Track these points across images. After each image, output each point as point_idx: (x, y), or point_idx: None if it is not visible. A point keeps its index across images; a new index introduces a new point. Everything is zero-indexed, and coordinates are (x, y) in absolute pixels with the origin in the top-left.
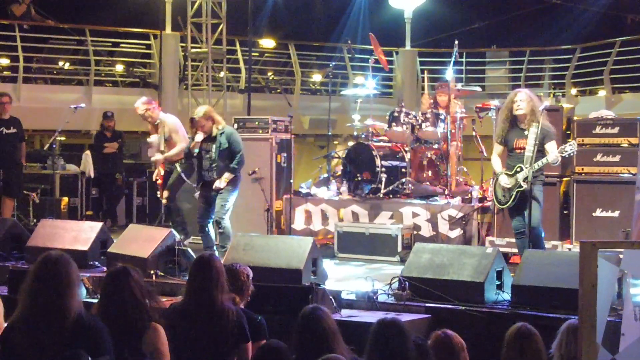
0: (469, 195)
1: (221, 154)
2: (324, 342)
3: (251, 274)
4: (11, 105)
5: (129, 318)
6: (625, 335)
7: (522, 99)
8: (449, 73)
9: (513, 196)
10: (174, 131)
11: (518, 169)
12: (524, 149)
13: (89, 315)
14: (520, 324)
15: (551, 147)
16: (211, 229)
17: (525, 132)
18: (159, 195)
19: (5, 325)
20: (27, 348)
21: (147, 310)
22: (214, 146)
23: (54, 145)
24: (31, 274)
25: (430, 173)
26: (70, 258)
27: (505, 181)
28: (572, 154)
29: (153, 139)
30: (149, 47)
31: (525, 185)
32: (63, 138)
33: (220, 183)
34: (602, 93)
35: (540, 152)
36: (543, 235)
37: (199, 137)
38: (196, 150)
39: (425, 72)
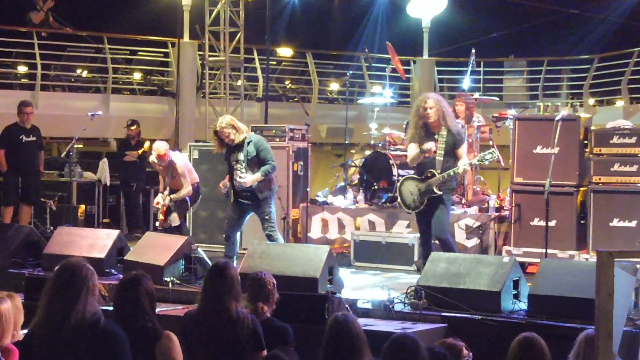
0: (486, 205)
1: (250, 162)
2: (354, 349)
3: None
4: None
5: (142, 326)
6: None
7: (431, 107)
8: (466, 82)
9: (425, 202)
10: (182, 171)
11: (429, 174)
12: (434, 152)
13: (108, 322)
14: (525, 333)
15: (462, 151)
16: (237, 239)
17: (436, 137)
18: (157, 225)
19: (26, 332)
20: (47, 354)
21: (157, 318)
22: (242, 155)
23: (71, 153)
24: (50, 281)
25: None
26: (88, 265)
27: (412, 187)
28: (492, 161)
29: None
30: (166, 55)
31: (437, 192)
32: (80, 146)
33: (246, 178)
34: (619, 103)
35: (451, 157)
36: (450, 242)
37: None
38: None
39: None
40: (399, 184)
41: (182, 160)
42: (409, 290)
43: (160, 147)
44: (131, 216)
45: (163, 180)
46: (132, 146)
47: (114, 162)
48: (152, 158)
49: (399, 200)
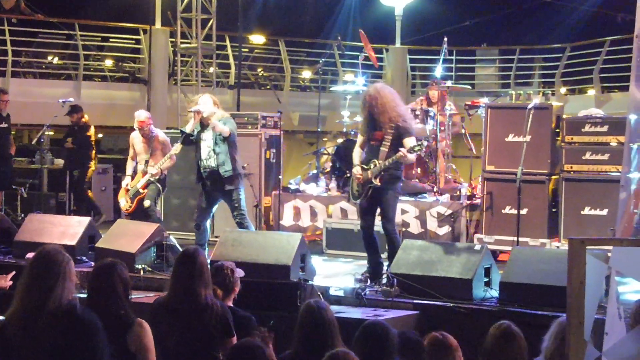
0: (458, 193)
1: (219, 140)
2: (327, 335)
3: (238, 272)
4: None
5: (115, 313)
6: (610, 334)
7: (378, 101)
8: (439, 70)
9: (366, 192)
10: (165, 146)
11: (372, 164)
12: (378, 141)
13: (84, 309)
14: (505, 324)
15: (408, 142)
16: (207, 227)
17: (382, 127)
18: (124, 206)
19: (3, 317)
20: (22, 342)
21: (131, 306)
22: (212, 132)
23: (42, 140)
24: (27, 268)
25: (419, 170)
26: (64, 252)
27: (358, 174)
28: (421, 152)
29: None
30: (138, 42)
31: (375, 182)
32: (51, 133)
33: (217, 125)
34: (591, 92)
35: (398, 147)
36: (397, 237)
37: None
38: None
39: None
40: (352, 172)
41: (164, 135)
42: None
43: (140, 114)
44: (81, 205)
45: (133, 160)
46: (73, 132)
47: (58, 149)
48: (134, 134)
49: (349, 189)
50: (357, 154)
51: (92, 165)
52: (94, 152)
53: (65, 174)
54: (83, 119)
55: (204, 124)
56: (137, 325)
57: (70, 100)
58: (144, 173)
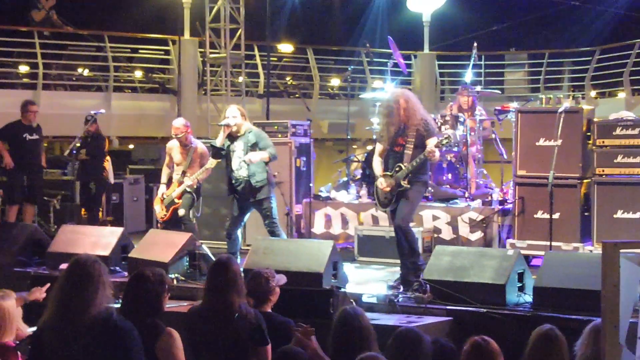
0: (489, 198)
1: (249, 151)
2: (363, 341)
3: (278, 280)
4: None
5: (144, 322)
6: None
7: (403, 107)
8: (468, 76)
9: (395, 197)
10: (204, 157)
11: (397, 169)
12: (402, 146)
13: (120, 317)
14: (548, 327)
15: (432, 142)
16: (239, 236)
17: (405, 132)
18: (159, 214)
19: (36, 327)
20: (58, 350)
21: (162, 315)
22: (242, 143)
23: (74, 152)
24: (63, 277)
25: (450, 176)
26: (99, 260)
27: (383, 183)
28: (448, 146)
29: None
30: (167, 52)
31: (404, 184)
32: None
33: (252, 156)
34: (621, 95)
35: (421, 150)
36: (412, 233)
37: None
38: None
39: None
40: (376, 182)
41: (203, 147)
42: (414, 285)
43: (176, 121)
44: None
45: (169, 168)
46: (87, 144)
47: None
48: (172, 143)
49: (375, 198)
50: (377, 164)
51: (106, 173)
52: (107, 161)
53: (86, 186)
54: (97, 129)
55: (233, 136)
56: (167, 334)
57: (101, 111)
58: (180, 183)
